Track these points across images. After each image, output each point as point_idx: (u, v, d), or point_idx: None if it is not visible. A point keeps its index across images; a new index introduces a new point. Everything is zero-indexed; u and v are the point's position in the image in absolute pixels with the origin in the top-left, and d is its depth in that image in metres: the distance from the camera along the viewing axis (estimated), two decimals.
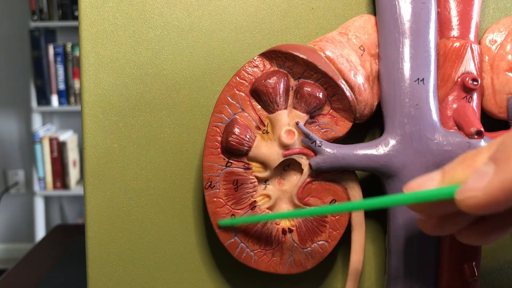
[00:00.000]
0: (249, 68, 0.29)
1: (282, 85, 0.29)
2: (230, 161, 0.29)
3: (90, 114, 0.32)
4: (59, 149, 1.71)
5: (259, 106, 0.29)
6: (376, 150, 0.29)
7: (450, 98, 0.29)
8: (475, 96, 0.29)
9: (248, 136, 0.29)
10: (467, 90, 0.29)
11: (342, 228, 0.30)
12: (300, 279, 0.33)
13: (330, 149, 0.29)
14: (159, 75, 0.32)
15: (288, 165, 0.30)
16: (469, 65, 0.29)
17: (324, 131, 0.29)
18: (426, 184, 0.21)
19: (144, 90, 0.32)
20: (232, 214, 0.29)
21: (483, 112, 0.30)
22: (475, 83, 0.29)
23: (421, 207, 0.22)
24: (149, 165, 0.33)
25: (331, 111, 0.29)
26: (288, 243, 0.30)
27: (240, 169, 0.29)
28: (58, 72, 1.70)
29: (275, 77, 0.28)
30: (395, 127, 0.29)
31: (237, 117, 0.29)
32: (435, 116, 0.28)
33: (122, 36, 0.32)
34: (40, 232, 1.80)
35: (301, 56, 0.28)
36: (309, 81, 0.29)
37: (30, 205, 1.89)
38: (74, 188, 1.75)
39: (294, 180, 0.30)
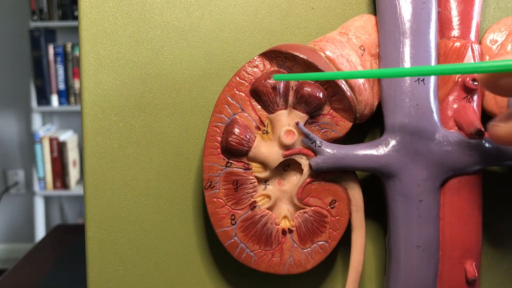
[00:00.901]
0: (249, 68, 0.29)
1: (282, 85, 0.28)
2: (230, 161, 0.29)
3: (90, 114, 0.32)
4: (59, 149, 1.72)
5: (259, 106, 0.29)
6: (376, 150, 0.29)
7: (451, 98, 0.29)
8: (475, 96, 0.29)
9: (248, 136, 0.29)
10: (468, 90, 0.29)
11: (342, 228, 0.30)
12: (300, 280, 0.33)
13: (330, 150, 0.29)
14: (159, 75, 0.32)
15: (288, 165, 0.30)
16: None
17: (324, 131, 0.29)
18: (504, 58, 0.21)
19: (144, 90, 0.32)
20: (232, 214, 0.29)
21: (484, 112, 0.30)
22: (476, 83, 0.29)
23: (494, 77, 0.22)
24: (149, 165, 0.33)
25: (331, 111, 0.29)
26: (288, 244, 0.30)
27: (240, 169, 0.29)
28: (58, 72, 1.71)
29: None
30: (395, 127, 0.29)
31: (237, 117, 0.29)
32: (435, 116, 0.28)
33: (122, 36, 0.32)
34: (40, 232, 1.80)
35: (301, 56, 0.28)
36: (309, 81, 0.29)
37: (30, 205, 1.89)
38: (74, 188, 1.75)
39: (294, 181, 0.30)
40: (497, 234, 0.33)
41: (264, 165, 0.29)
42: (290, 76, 0.28)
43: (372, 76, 0.25)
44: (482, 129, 0.28)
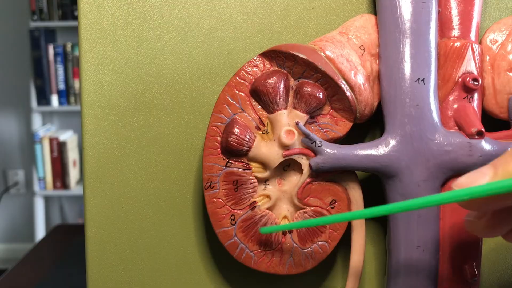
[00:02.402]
0: (249, 68, 0.29)
1: (282, 85, 0.28)
2: (230, 161, 0.29)
3: (89, 114, 0.32)
4: (59, 149, 1.71)
5: (259, 106, 0.29)
6: (376, 150, 0.29)
7: (451, 98, 0.29)
8: (475, 96, 0.29)
9: (248, 136, 0.29)
10: (468, 90, 0.29)
11: (342, 228, 0.30)
12: (300, 280, 0.33)
13: (330, 150, 0.29)
14: (158, 74, 0.32)
15: (288, 165, 0.30)
16: (469, 65, 0.29)
17: (324, 131, 0.29)
18: (479, 180, 0.21)
19: (144, 90, 0.32)
20: (232, 215, 0.29)
21: (484, 112, 0.30)
22: (476, 83, 0.28)
23: (475, 203, 0.21)
24: (148, 165, 0.33)
25: (331, 111, 0.29)
26: (288, 244, 0.30)
27: (240, 169, 0.29)
28: (58, 72, 1.70)
29: (275, 77, 0.28)
30: (395, 127, 0.29)
31: (237, 117, 0.29)
32: (435, 116, 0.28)
33: (122, 36, 0.32)
34: (40, 232, 1.80)
35: (301, 56, 0.28)
36: (309, 81, 0.29)
37: (30, 205, 1.89)
38: (74, 188, 1.75)
39: (294, 181, 0.30)
40: None
41: (264, 165, 0.29)
42: (278, 227, 0.29)
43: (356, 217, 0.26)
44: (483, 129, 0.28)
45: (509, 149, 0.21)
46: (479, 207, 0.22)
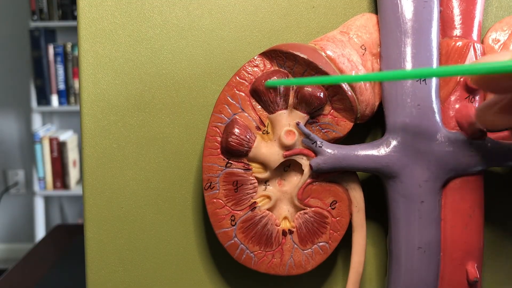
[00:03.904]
0: (249, 68, 0.29)
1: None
2: (230, 161, 0.29)
3: (88, 114, 0.32)
4: (59, 149, 1.72)
5: (259, 106, 0.29)
6: (377, 151, 0.28)
7: (453, 98, 0.29)
8: (477, 96, 0.29)
9: (248, 137, 0.28)
10: (470, 90, 0.29)
11: (343, 229, 0.30)
12: (300, 281, 0.33)
13: (330, 150, 0.28)
14: (158, 74, 0.32)
15: (288, 166, 0.30)
16: None
17: (325, 132, 0.29)
18: (499, 58, 0.20)
19: (143, 89, 0.32)
20: (232, 215, 0.29)
21: None
22: None
23: (489, 80, 0.21)
24: (148, 165, 0.32)
25: (332, 111, 0.29)
26: (288, 245, 0.29)
27: (240, 170, 0.29)
28: (58, 72, 1.71)
29: (275, 77, 0.28)
30: (396, 128, 0.28)
31: (237, 117, 0.29)
32: (437, 116, 0.28)
33: (121, 35, 0.32)
34: (40, 232, 1.80)
35: (302, 55, 0.28)
36: None
37: (30, 205, 1.89)
38: (74, 188, 1.75)
39: (294, 181, 0.30)
40: (499, 235, 0.33)
41: (264, 165, 0.29)
42: (284, 81, 0.28)
43: (358, 80, 0.24)
44: (484, 129, 0.27)
45: None
46: (491, 84, 0.21)
